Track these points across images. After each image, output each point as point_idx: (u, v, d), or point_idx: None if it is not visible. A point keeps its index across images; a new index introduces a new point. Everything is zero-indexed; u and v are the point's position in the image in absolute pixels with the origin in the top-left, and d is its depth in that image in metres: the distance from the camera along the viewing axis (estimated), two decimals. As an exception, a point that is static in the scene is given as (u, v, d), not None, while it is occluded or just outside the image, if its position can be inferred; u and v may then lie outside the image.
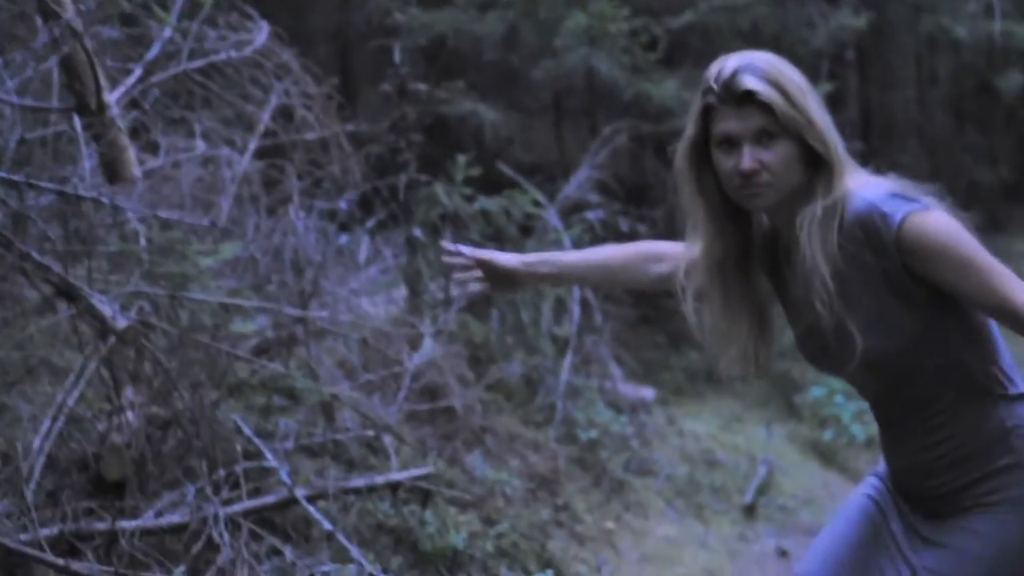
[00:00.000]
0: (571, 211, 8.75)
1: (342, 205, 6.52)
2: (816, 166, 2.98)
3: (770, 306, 3.25)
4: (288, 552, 5.40)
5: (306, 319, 6.06)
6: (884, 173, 3.07)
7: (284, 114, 7.42)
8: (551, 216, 8.57)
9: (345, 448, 6.39)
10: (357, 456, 6.48)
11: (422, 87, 7.45)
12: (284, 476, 5.65)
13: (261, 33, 7.46)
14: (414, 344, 6.51)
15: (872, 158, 15.01)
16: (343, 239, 6.30)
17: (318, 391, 5.70)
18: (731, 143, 2.95)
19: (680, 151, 3.08)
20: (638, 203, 9.74)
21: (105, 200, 5.39)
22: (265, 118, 7.79)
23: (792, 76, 2.96)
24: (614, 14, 9.58)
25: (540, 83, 10.38)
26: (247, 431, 5.67)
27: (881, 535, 3.23)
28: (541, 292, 8.02)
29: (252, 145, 7.82)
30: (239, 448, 5.74)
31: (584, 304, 8.57)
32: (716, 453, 9.32)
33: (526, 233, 8.42)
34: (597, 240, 8.68)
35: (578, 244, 8.59)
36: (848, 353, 3.00)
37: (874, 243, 2.91)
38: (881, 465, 3.35)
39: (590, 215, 8.62)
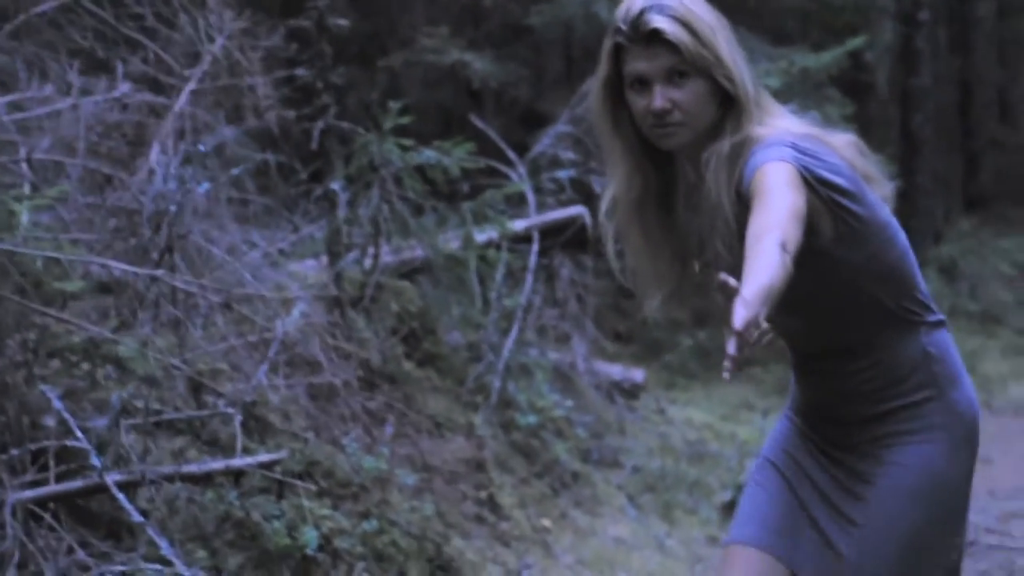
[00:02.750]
0: (543, 168, 7.85)
1: (201, 147, 5.68)
2: (729, 104, 2.97)
3: (692, 243, 3.15)
4: (76, 546, 4.62)
5: (156, 278, 5.28)
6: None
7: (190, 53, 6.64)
8: (519, 174, 7.69)
9: (209, 427, 5.61)
10: (225, 437, 5.69)
11: (342, 22, 6.59)
12: (94, 458, 4.87)
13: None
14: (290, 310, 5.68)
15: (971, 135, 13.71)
16: (203, 187, 5.47)
17: (144, 359, 4.90)
18: (643, 83, 2.95)
19: (594, 91, 3.06)
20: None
21: None
22: (205, 63, 7.02)
23: (702, 14, 2.94)
24: (613, -46, 8.65)
25: (539, 33, 9.45)
26: (57, 404, 4.90)
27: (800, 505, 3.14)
28: (490, 259, 7.15)
29: (186, 89, 7.05)
30: (53, 425, 4.99)
31: (548, 273, 7.69)
32: (708, 445, 8.39)
33: (478, 191, 7.52)
34: (567, 202, 7.78)
35: (542, 206, 7.73)
36: None
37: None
38: (790, 405, 3.29)
39: (561, 174, 7.72)
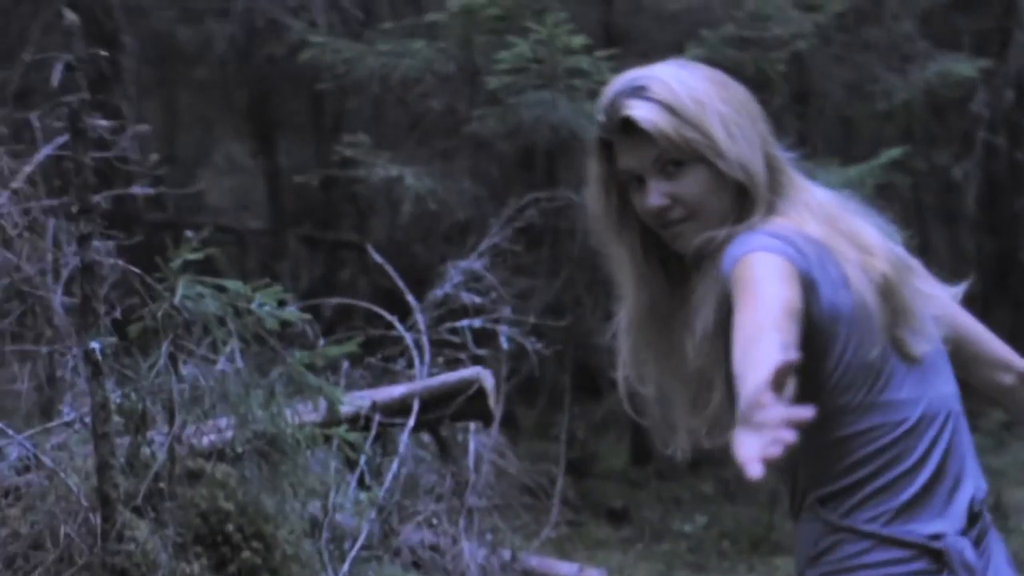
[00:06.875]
0: (445, 317, 6.07)
1: None
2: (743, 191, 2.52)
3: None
4: None
5: None
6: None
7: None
8: (412, 326, 5.93)
9: None
10: None
11: (102, 123, 4.94)
12: None
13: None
14: None
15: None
16: None
17: None
18: (639, 179, 2.53)
19: (590, 195, 2.61)
20: (550, 312, 6.97)
21: None
22: None
23: (688, 88, 2.48)
24: (568, 43, 6.88)
25: (481, 140, 7.65)
26: None
27: None
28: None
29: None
30: None
31: (443, 452, 5.87)
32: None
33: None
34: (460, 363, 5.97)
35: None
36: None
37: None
38: None
39: (463, 323, 5.93)
